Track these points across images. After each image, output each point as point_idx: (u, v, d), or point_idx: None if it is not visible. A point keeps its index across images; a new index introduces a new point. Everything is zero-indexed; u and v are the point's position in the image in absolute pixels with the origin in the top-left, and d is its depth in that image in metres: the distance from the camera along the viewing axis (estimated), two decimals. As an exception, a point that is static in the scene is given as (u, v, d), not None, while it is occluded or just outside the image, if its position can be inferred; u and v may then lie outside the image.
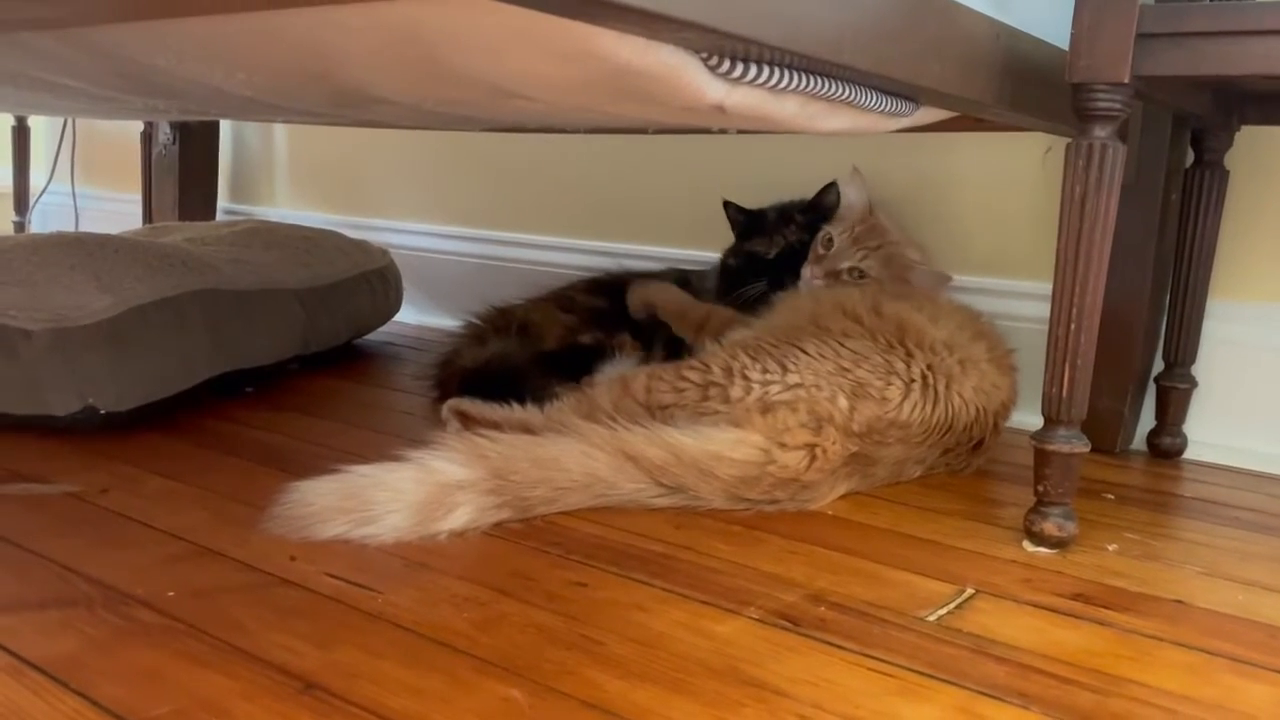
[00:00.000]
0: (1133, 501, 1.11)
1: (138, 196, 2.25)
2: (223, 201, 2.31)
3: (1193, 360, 1.28)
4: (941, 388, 1.06)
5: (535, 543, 0.90)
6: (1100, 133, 0.88)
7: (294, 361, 1.54)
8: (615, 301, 1.43)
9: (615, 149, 1.80)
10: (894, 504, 1.04)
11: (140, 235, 1.63)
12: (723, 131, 1.50)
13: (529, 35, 0.67)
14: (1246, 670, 0.73)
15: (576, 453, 0.96)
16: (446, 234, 2.04)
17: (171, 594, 0.77)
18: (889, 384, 1.05)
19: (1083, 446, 0.93)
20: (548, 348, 1.35)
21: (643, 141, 1.75)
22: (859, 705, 0.65)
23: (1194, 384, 1.28)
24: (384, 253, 1.84)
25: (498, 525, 0.92)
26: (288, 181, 2.31)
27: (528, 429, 1.05)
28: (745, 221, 1.46)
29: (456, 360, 1.36)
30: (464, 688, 0.65)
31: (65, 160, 2.56)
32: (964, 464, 1.13)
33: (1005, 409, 1.15)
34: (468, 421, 1.13)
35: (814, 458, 0.99)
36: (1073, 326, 0.91)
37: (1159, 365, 1.31)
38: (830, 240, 1.32)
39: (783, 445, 0.98)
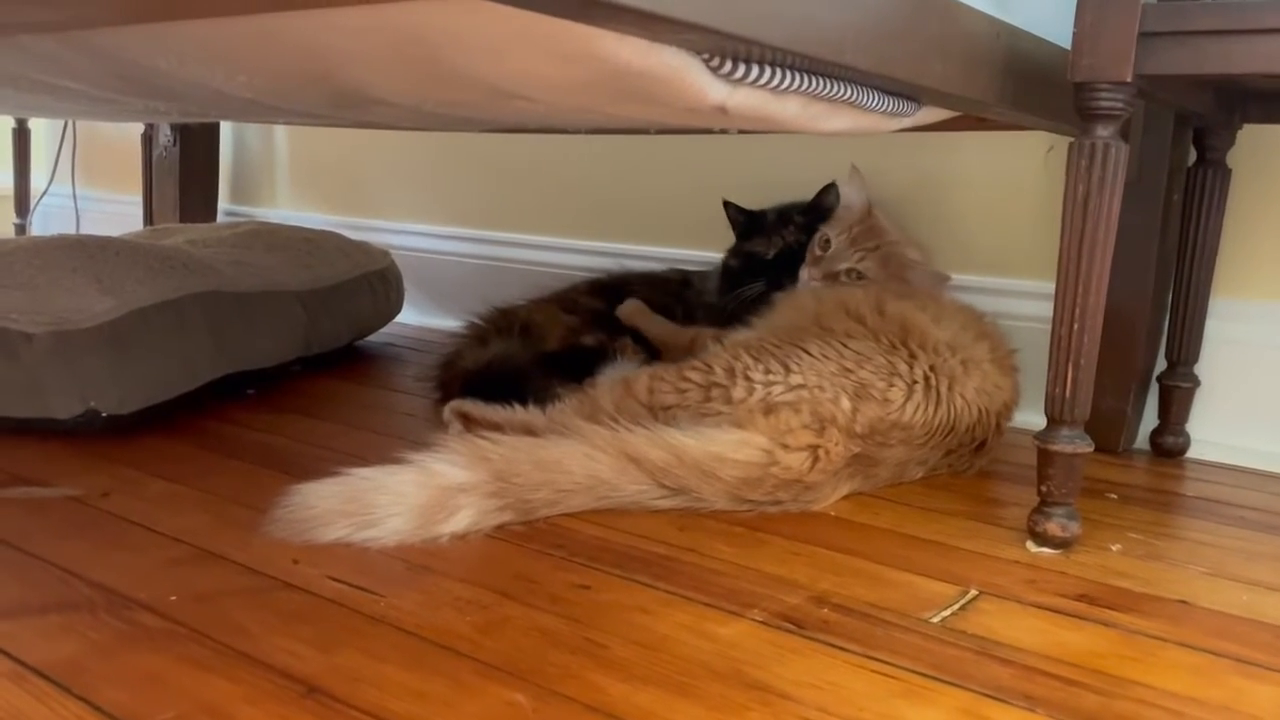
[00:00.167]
0: (1136, 501, 1.11)
1: (138, 198, 2.25)
2: (223, 203, 2.31)
3: (1195, 359, 1.28)
4: (944, 389, 1.06)
5: (538, 545, 0.90)
6: (1103, 132, 0.88)
7: (296, 363, 1.54)
8: (616, 303, 1.43)
9: (616, 149, 1.79)
10: (896, 504, 1.04)
11: (141, 237, 1.63)
12: (724, 132, 1.50)
13: (530, 37, 0.67)
14: (1252, 671, 0.72)
15: (579, 455, 0.96)
16: (447, 235, 2.04)
17: (174, 598, 0.76)
18: (891, 385, 1.04)
19: (1086, 447, 0.92)
20: (549, 349, 1.35)
21: (644, 142, 1.74)
22: (863, 708, 0.65)
23: (1197, 383, 1.28)
24: (385, 254, 1.84)
25: (500, 528, 0.92)
26: (288, 183, 2.31)
27: (530, 430, 1.05)
28: (745, 222, 1.47)
29: (458, 361, 1.35)
30: (467, 691, 0.65)
31: (66, 162, 2.56)
32: (967, 465, 1.13)
33: (1008, 410, 1.15)
34: (470, 423, 1.13)
35: (817, 459, 0.99)
36: (1076, 326, 0.90)
37: (1161, 364, 1.31)
38: (828, 242, 1.32)
39: (785, 446, 0.98)
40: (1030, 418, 1.13)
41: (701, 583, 0.83)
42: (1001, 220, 1.44)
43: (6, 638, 0.69)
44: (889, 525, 0.98)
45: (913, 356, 1.07)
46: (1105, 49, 0.86)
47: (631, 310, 1.40)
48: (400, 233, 2.06)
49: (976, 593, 0.83)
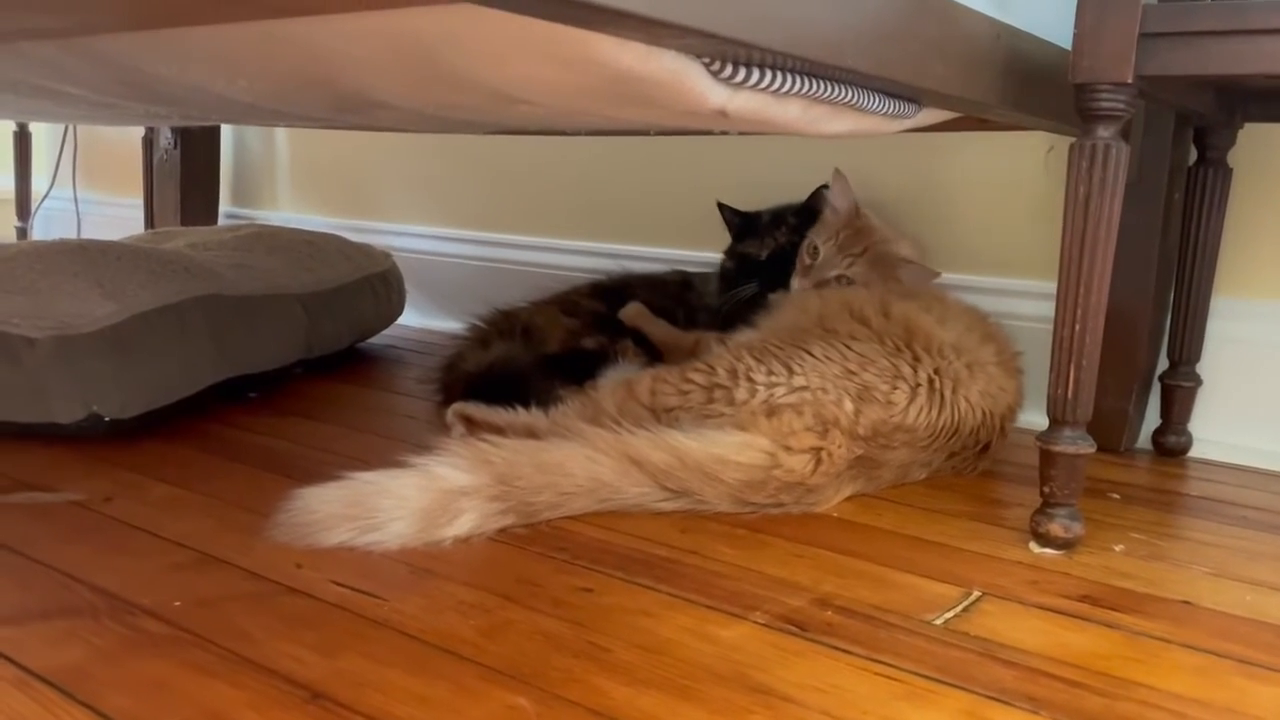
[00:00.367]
0: (1139, 501, 1.11)
1: (140, 201, 2.26)
2: (224, 205, 2.31)
3: (1197, 358, 1.28)
4: (948, 392, 1.06)
5: (540, 548, 0.90)
6: (1104, 133, 0.88)
7: (297, 366, 1.54)
8: (617, 305, 1.43)
9: (617, 151, 1.79)
10: (899, 506, 1.04)
11: (143, 241, 1.63)
12: (724, 133, 1.51)
13: (531, 42, 0.67)
14: (1256, 672, 0.72)
15: (581, 457, 0.96)
16: (448, 236, 2.04)
17: (177, 603, 0.77)
18: (895, 388, 1.04)
19: (1088, 447, 0.92)
20: (550, 351, 1.35)
21: (644, 143, 1.74)
22: (867, 711, 0.65)
23: (1199, 382, 1.28)
24: (386, 256, 1.84)
25: (502, 531, 0.92)
26: (289, 185, 2.31)
27: (532, 433, 1.05)
28: (739, 224, 1.48)
29: (460, 364, 1.35)
30: (471, 696, 0.65)
31: (67, 166, 2.56)
32: (970, 467, 1.13)
33: (1011, 412, 1.15)
34: (472, 425, 1.13)
35: (819, 461, 0.99)
36: (1078, 327, 0.90)
37: (1163, 364, 1.31)
38: (816, 250, 1.32)
39: (788, 449, 0.98)
40: (1033, 417, 1.13)
41: (704, 585, 0.83)
42: (1002, 220, 1.44)
43: (11, 644, 0.69)
44: (891, 526, 0.98)
45: (917, 359, 1.07)
46: (1106, 50, 0.86)
47: (634, 313, 1.40)
48: (401, 234, 2.07)
49: (979, 594, 0.83)
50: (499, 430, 1.06)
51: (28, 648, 0.69)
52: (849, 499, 1.04)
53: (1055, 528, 0.93)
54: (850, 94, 0.83)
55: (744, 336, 1.16)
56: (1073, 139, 0.90)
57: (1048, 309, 0.97)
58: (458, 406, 1.17)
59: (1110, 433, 1.26)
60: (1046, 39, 1.00)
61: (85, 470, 1.07)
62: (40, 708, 0.62)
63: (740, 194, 1.51)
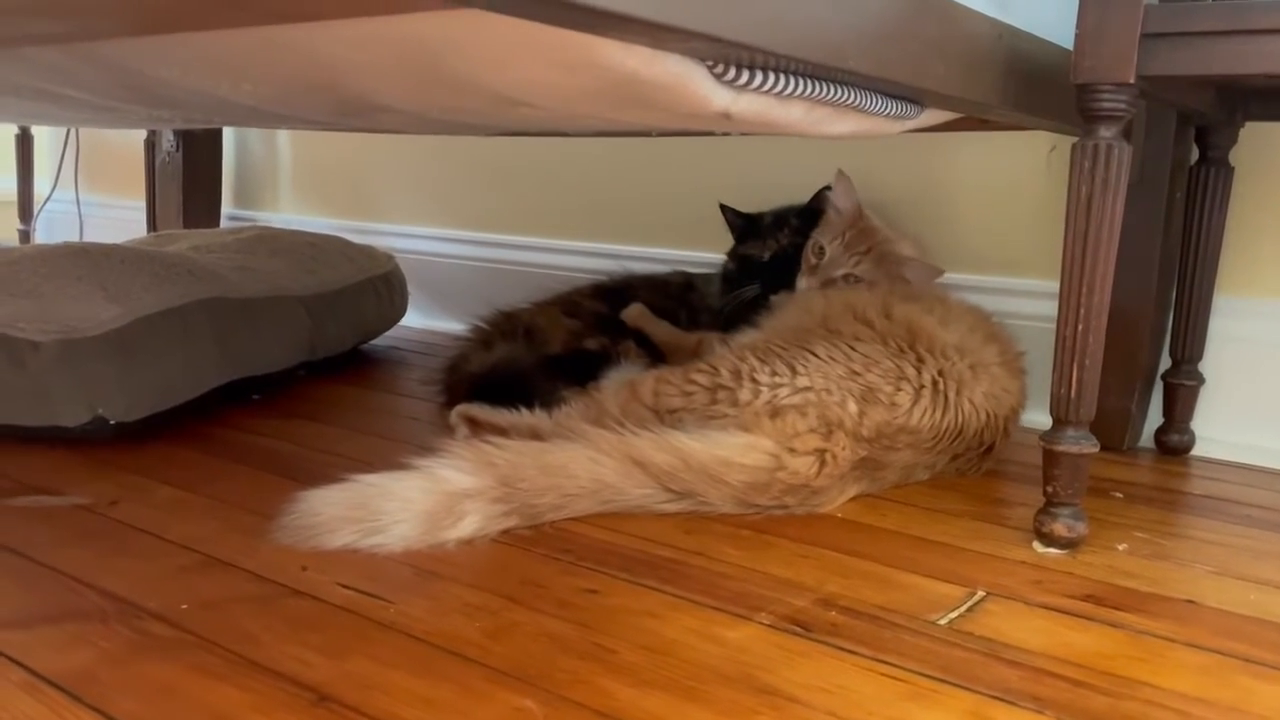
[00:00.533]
0: (1142, 500, 1.11)
1: (142, 203, 2.26)
2: (227, 208, 2.31)
3: (1199, 357, 1.28)
4: (952, 394, 1.06)
5: (545, 549, 0.90)
6: (1105, 133, 0.88)
7: (301, 368, 1.54)
8: (619, 306, 1.43)
9: (619, 152, 1.80)
10: (903, 506, 1.04)
11: (146, 244, 1.63)
12: (726, 134, 1.51)
13: (536, 46, 0.67)
14: (1261, 671, 0.72)
15: (584, 459, 0.96)
16: (451, 238, 2.04)
17: (184, 606, 0.77)
18: (899, 389, 1.04)
19: (1092, 447, 0.93)
20: (552, 352, 1.35)
21: (646, 144, 1.75)
22: (872, 711, 0.65)
23: (1201, 381, 1.28)
24: (389, 257, 1.85)
25: (506, 532, 0.92)
26: (291, 187, 2.32)
27: (536, 434, 1.05)
28: (742, 225, 1.48)
29: (464, 365, 1.36)
30: (477, 698, 0.65)
31: (69, 168, 2.57)
32: (973, 468, 1.13)
33: (1015, 413, 1.15)
34: (476, 427, 1.13)
35: (823, 463, 0.99)
36: (1080, 327, 0.90)
37: (1166, 362, 1.31)
38: (821, 250, 1.32)
39: (792, 450, 0.98)
40: (1035, 416, 1.13)
41: (709, 586, 0.83)
42: (1005, 219, 1.44)
43: (19, 648, 0.70)
44: (895, 527, 0.99)
45: (920, 360, 1.07)
46: (1107, 50, 0.86)
47: (636, 314, 1.40)
48: (403, 236, 2.07)
49: (983, 594, 0.84)
50: (502, 432, 1.06)
51: (35, 651, 0.69)
52: (852, 499, 1.04)
53: (1059, 527, 0.93)
54: (853, 95, 0.83)
55: (747, 337, 1.16)
56: (1074, 139, 0.90)
57: (1050, 308, 0.97)
58: (462, 408, 1.17)
59: (1113, 431, 1.27)
60: (1048, 39, 1.00)
61: (90, 473, 1.08)
62: (49, 711, 0.62)
63: (742, 194, 1.51)
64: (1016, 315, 1.32)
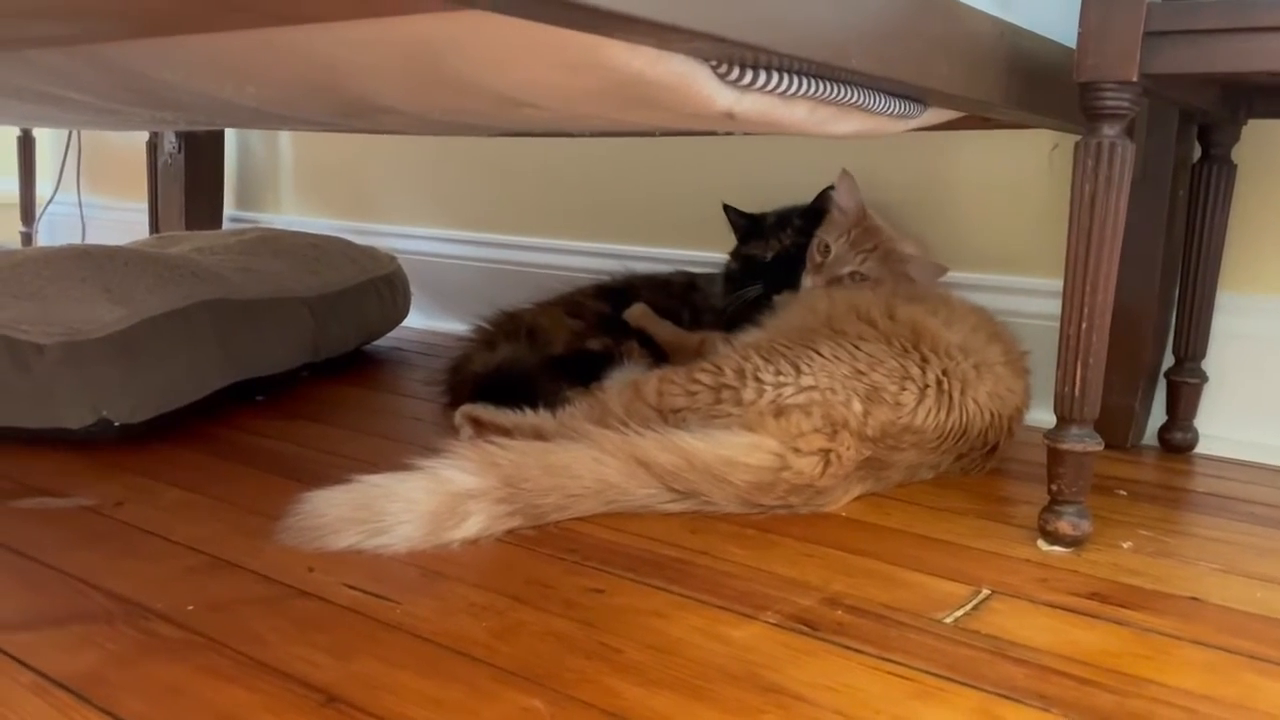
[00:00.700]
0: (1146, 498, 1.11)
1: (144, 205, 2.26)
2: (229, 209, 2.31)
3: (1203, 354, 1.28)
4: (956, 393, 1.06)
5: (550, 549, 0.90)
6: (1109, 131, 0.88)
7: (304, 369, 1.54)
8: (621, 307, 1.43)
9: (621, 152, 1.80)
10: (907, 504, 1.04)
11: (149, 246, 1.63)
12: (729, 133, 1.51)
13: (540, 48, 0.67)
14: (1266, 668, 0.72)
15: (588, 459, 0.96)
16: (453, 238, 2.04)
17: (190, 607, 0.77)
18: (904, 389, 1.04)
19: (1096, 445, 0.93)
20: (555, 352, 1.35)
21: (649, 144, 1.75)
22: (879, 710, 0.65)
23: (1204, 378, 1.28)
24: (391, 258, 1.85)
25: (511, 532, 0.92)
26: (293, 188, 2.32)
27: (540, 434, 1.05)
28: (745, 225, 1.48)
29: (467, 366, 1.36)
30: (485, 697, 0.65)
31: (71, 170, 2.57)
32: (977, 468, 1.13)
33: (1019, 413, 1.15)
34: (480, 427, 1.13)
35: (828, 463, 0.99)
36: (1084, 325, 0.91)
37: (1169, 360, 1.31)
38: (827, 248, 1.32)
39: (797, 450, 0.98)
40: (1038, 414, 1.13)
41: (714, 585, 0.83)
42: (1008, 218, 1.44)
43: (27, 649, 0.70)
44: (900, 525, 0.99)
45: (925, 360, 1.07)
46: (1110, 49, 0.86)
47: (638, 314, 1.41)
48: (406, 237, 2.07)
49: (989, 592, 0.84)
50: (506, 432, 1.06)
51: (43, 653, 0.70)
52: (857, 498, 1.04)
53: (1063, 525, 0.93)
54: (856, 95, 0.83)
55: (751, 336, 1.16)
56: (1077, 137, 0.90)
57: (1054, 306, 0.97)
58: (466, 408, 1.17)
59: (1116, 429, 1.27)
60: (1050, 37, 1.00)
61: (95, 475, 1.08)
62: (57, 712, 0.63)
63: (745, 194, 1.51)
64: (1020, 313, 1.32)
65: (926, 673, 0.70)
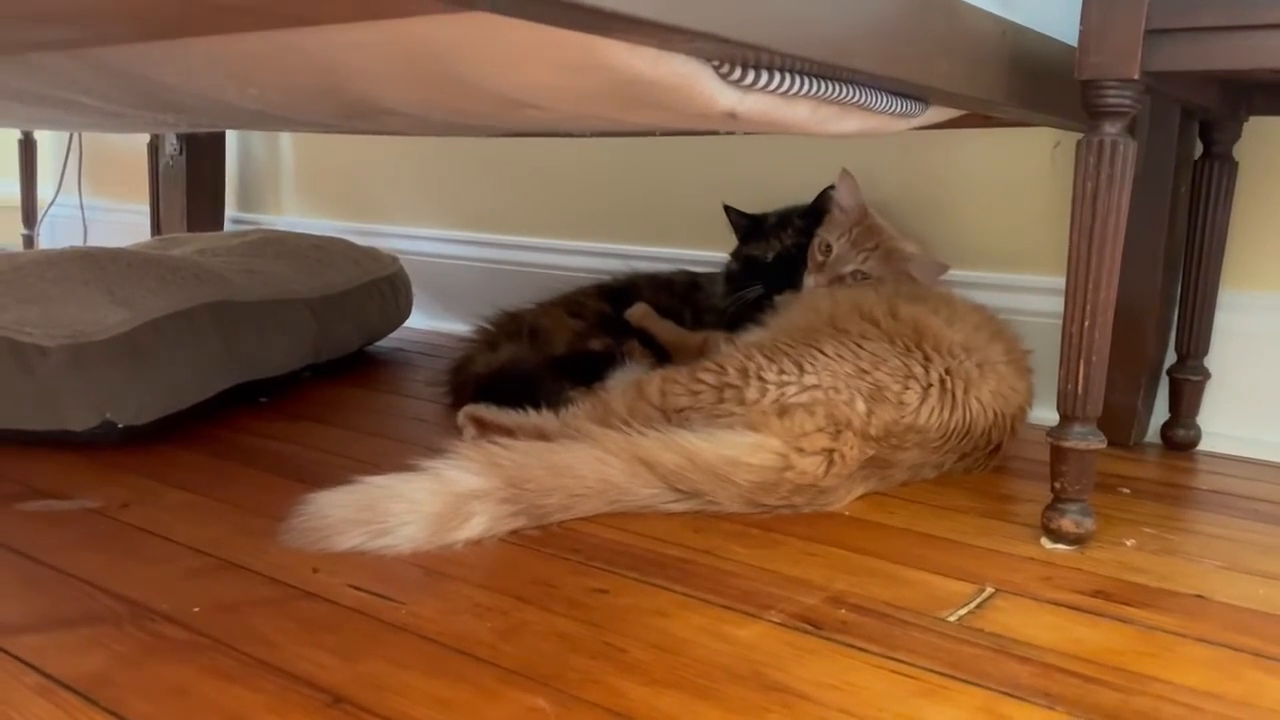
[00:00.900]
0: (1149, 495, 1.11)
1: (145, 207, 2.26)
2: (230, 211, 2.31)
3: (1205, 352, 1.28)
4: (960, 392, 1.06)
5: (554, 549, 0.90)
6: (1111, 129, 0.88)
7: (307, 370, 1.55)
8: (623, 306, 1.44)
9: (622, 152, 1.80)
10: (910, 502, 1.04)
11: (151, 248, 1.63)
12: (730, 132, 1.51)
13: (542, 49, 0.67)
14: (1270, 665, 0.73)
15: (591, 459, 0.96)
16: (454, 239, 2.04)
17: (196, 609, 0.77)
18: (907, 388, 1.04)
19: (1099, 443, 0.93)
20: (556, 353, 1.36)
21: (650, 144, 1.75)
22: (883, 709, 0.65)
23: (1207, 375, 1.28)
24: (393, 259, 1.85)
25: (515, 533, 0.92)
26: (295, 190, 2.32)
27: (542, 435, 1.06)
28: (746, 226, 1.48)
29: (470, 366, 1.36)
30: (490, 698, 0.65)
31: (72, 172, 2.57)
32: (980, 467, 1.13)
33: (1023, 412, 1.15)
34: (483, 428, 1.13)
35: (832, 463, 0.99)
36: (1087, 323, 0.91)
37: (1171, 357, 1.31)
38: (828, 247, 1.32)
39: (800, 450, 0.98)
40: (1042, 413, 1.13)
41: (718, 585, 0.84)
42: (1009, 216, 1.44)
43: (34, 651, 0.70)
44: (903, 524, 0.99)
45: (928, 359, 1.07)
46: (1112, 46, 0.86)
47: (640, 314, 1.41)
48: (407, 237, 2.07)
49: (992, 590, 0.84)
50: (509, 432, 1.06)
51: (49, 655, 0.70)
52: (860, 497, 1.04)
53: (1067, 523, 0.93)
54: (858, 94, 0.83)
55: (754, 336, 1.16)
56: (1079, 134, 0.90)
57: (1056, 304, 0.97)
58: (469, 409, 1.18)
59: (1119, 427, 1.27)
60: (1052, 36, 1.00)
61: (100, 477, 1.08)
62: (64, 714, 0.63)
63: (745, 193, 1.51)
64: (1022, 311, 1.32)
65: (931, 671, 0.70)
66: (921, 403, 1.04)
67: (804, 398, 1.03)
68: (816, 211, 1.42)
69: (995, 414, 1.09)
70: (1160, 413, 1.32)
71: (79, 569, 0.84)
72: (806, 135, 0.90)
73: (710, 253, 1.62)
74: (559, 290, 1.50)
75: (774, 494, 0.97)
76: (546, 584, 0.83)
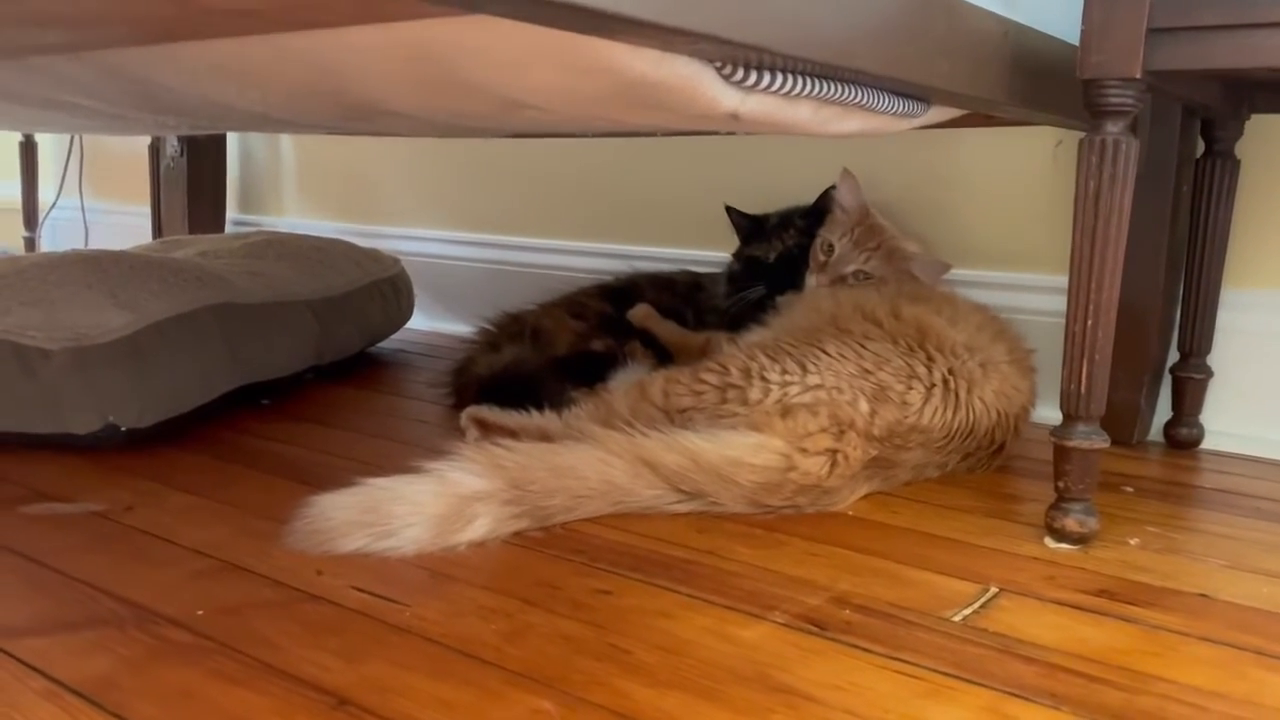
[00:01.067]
0: (1152, 494, 1.11)
1: (147, 209, 2.26)
2: (231, 212, 2.32)
3: (1208, 350, 1.28)
4: (963, 392, 1.06)
5: (557, 551, 0.90)
6: (1113, 128, 0.88)
7: (309, 372, 1.55)
8: (625, 307, 1.44)
9: (624, 152, 1.80)
10: (914, 502, 1.04)
11: (154, 250, 1.64)
12: (731, 133, 1.51)
13: (545, 51, 0.67)
14: (1275, 664, 0.72)
15: (594, 460, 0.96)
16: (456, 240, 2.04)
17: (200, 612, 0.77)
18: (910, 388, 1.04)
19: (1102, 442, 0.93)
20: (558, 354, 1.36)
21: (652, 144, 1.75)
22: (888, 709, 0.65)
23: (1209, 374, 1.28)
24: (395, 260, 1.85)
25: (518, 534, 0.92)
26: (296, 191, 2.32)
27: (545, 436, 1.06)
28: (748, 226, 1.48)
29: (472, 367, 1.36)
30: (495, 700, 0.65)
31: (74, 174, 2.57)
32: (984, 466, 1.13)
33: (1026, 412, 1.15)
34: (486, 429, 1.13)
35: (835, 463, 0.99)
36: (1089, 322, 0.91)
37: (1174, 356, 1.31)
38: (830, 246, 1.32)
39: (804, 451, 0.98)
40: (1044, 411, 1.13)
41: (722, 585, 0.84)
42: (1012, 215, 1.44)
43: (39, 655, 0.70)
44: (907, 524, 0.99)
45: (930, 359, 1.07)
46: (1114, 45, 0.86)
47: (642, 314, 1.41)
48: (408, 239, 2.07)
49: (996, 590, 0.84)
50: (512, 434, 1.06)
51: (54, 658, 0.70)
52: (864, 497, 1.04)
53: (1070, 522, 0.93)
54: (859, 94, 0.83)
55: (756, 336, 1.16)
56: (1081, 133, 0.90)
57: (1059, 303, 0.97)
58: (471, 410, 1.18)
59: (1122, 426, 1.27)
60: (1053, 35, 1.00)
61: (103, 480, 1.08)
62: (69, 718, 0.63)
63: (746, 193, 1.51)
64: (1025, 310, 1.32)
65: (935, 671, 0.70)
66: (925, 403, 1.04)
67: (807, 398, 1.03)
68: (818, 212, 1.42)
69: (998, 414, 1.09)
70: (1163, 411, 1.32)
71: (83, 572, 0.84)
72: (808, 136, 0.90)
73: (712, 253, 1.62)
74: (561, 291, 1.50)
75: (777, 494, 0.97)
76: (550, 586, 0.83)
